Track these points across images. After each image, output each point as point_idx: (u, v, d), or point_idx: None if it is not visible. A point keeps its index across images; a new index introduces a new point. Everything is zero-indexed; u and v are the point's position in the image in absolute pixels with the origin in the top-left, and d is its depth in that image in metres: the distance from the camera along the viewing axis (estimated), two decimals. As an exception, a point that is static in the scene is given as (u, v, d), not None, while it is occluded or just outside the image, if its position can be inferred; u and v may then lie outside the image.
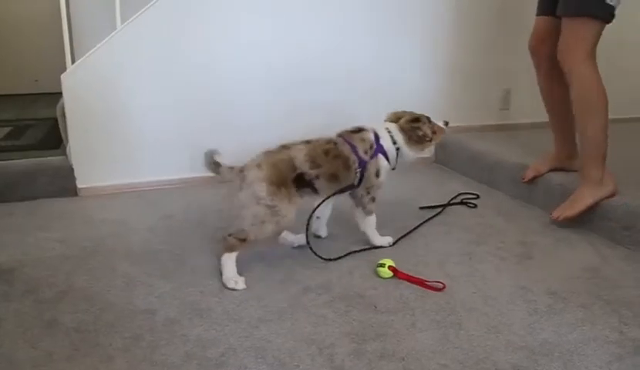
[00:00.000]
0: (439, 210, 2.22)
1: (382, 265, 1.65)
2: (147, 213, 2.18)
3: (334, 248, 1.83)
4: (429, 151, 1.92)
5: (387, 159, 1.82)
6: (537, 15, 2.09)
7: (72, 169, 2.38)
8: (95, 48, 2.31)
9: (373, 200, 1.83)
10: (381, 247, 1.86)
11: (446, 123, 1.93)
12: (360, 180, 1.78)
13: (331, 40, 2.63)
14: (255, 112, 2.59)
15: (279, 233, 1.77)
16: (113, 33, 2.33)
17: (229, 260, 1.63)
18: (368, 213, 1.84)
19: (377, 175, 1.80)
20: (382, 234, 1.89)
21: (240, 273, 1.62)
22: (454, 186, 2.28)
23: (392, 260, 1.67)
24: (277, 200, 1.63)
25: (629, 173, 2.28)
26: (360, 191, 1.81)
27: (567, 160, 2.22)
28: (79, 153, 2.38)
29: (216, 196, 2.38)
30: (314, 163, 1.70)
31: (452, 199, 2.29)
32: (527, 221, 2.11)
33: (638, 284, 1.64)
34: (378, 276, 1.66)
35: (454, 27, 2.78)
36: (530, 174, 2.24)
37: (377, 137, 1.81)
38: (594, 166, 1.95)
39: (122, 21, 2.36)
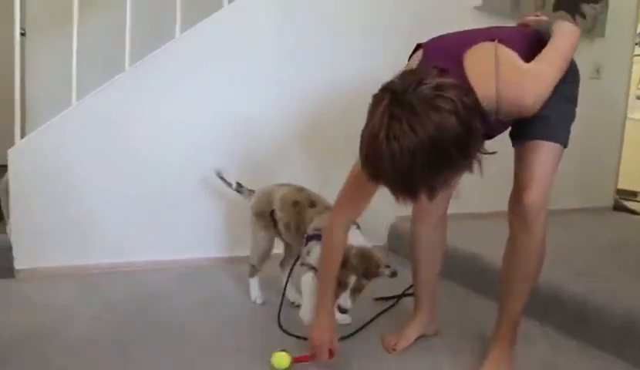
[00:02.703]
0: (393, 301, 2.19)
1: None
2: (90, 298, 2.05)
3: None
4: None
5: None
6: None
7: (10, 249, 2.23)
8: (46, 124, 2.25)
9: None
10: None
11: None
12: None
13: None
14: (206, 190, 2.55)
15: (262, 258, 2.07)
16: (66, 110, 2.27)
17: (253, 283, 2.10)
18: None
19: (308, 253, 1.86)
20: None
21: (185, 366, 1.52)
22: (408, 275, 2.27)
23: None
24: (256, 226, 2.06)
25: (577, 262, 2.36)
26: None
27: (429, 324, 1.89)
28: (20, 232, 2.24)
29: (164, 280, 2.28)
30: (282, 206, 1.97)
31: (406, 289, 2.26)
32: (480, 312, 2.10)
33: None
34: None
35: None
36: (402, 344, 1.81)
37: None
38: (519, 325, 1.71)
39: (78, 97, 2.32)
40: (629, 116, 3.99)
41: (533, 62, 1.38)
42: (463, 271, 2.46)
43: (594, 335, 1.89)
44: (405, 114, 1.14)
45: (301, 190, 2.03)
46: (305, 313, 1.86)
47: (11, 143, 2.23)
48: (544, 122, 1.54)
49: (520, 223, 1.58)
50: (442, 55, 1.43)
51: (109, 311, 1.94)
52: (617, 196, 3.93)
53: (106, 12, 2.91)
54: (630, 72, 3.87)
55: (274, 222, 2.01)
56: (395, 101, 1.16)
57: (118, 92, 2.34)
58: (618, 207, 3.87)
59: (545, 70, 1.37)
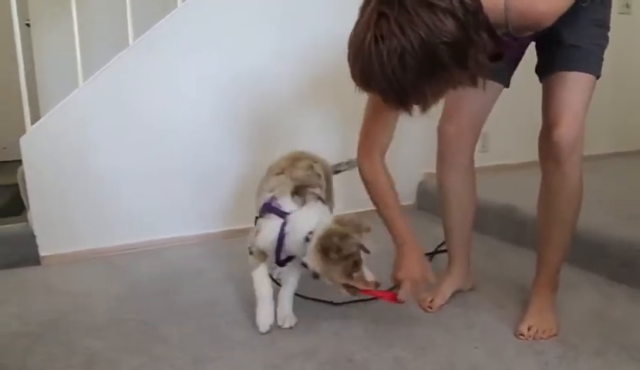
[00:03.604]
0: (427, 258, 2.10)
1: None
2: (115, 280, 2.01)
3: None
4: None
5: None
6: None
7: (33, 237, 2.21)
8: (53, 109, 2.20)
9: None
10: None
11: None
12: None
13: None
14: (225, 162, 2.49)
15: None
16: (73, 92, 2.21)
17: None
18: None
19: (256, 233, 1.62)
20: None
21: (217, 339, 1.46)
22: (440, 232, 2.18)
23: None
24: None
25: (619, 207, 2.23)
26: None
27: (464, 279, 1.78)
28: (42, 220, 2.21)
29: (189, 256, 2.24)
30: None
31: (439, 246, 2.17)
32: (519, 264, 2.00)
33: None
34: None
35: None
36: (438, 302, 1.70)
37: None
38: (559, 272, 1.61)
39: (85, 78, 2.26)
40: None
41: None
42: (500, 224, 2.36)
43: (643, 280, 1.78)
44: (394, 13, 1.04)
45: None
46: (263, 317, 1.55)
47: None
48: (572, 51, 1.42)
49: (552, 163, 1.46)
50: None
51: (134, 291, 1.89)
52: (656, 137, 3.74)
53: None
54: (664, 4, 3.62)
55: None
56: (386, 1, 1.06)
57: (124, 68, 2.27)
58: (658, 148, 3.68)
59: None
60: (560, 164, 1.43)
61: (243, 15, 2.44)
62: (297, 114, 2.58)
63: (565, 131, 1.40)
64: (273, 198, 1.54)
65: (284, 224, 1.48)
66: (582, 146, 1.45)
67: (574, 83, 1.42)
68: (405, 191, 2.88)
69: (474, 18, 1.07)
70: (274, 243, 1.50)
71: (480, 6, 1.10)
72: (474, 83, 1.16)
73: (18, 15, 2.17)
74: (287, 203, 1.51)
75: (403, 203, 2.84)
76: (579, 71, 1.42)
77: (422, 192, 2.86)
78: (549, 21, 1.22)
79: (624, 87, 3.44)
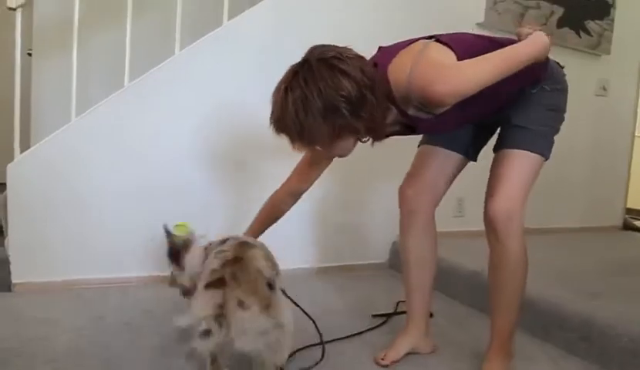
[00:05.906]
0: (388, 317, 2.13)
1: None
2: (81, 312, 2.02)
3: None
4: None
5: None
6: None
7: (8, 263, 2.23)
8: (44, 140, 2.26)
9: None
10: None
11: None
12: None
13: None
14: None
15: None
16: (64, 127, 2.29)
17: None
18: None
19: None
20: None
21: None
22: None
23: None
24: None
25: (581, 282, 2.29)
26: None
27: (421, 339, 1.81)
28: (18, 247, 2.24)
29: (158, 297, 2.25)
30: None
31: (396, 306, 2.20)
32: (482, 331, 2.04)
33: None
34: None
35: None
36: (391, 356, 1.72)
37: None
38: (512, 339, 1.65)
39: (77, 113, 2.33)
40: (637, 134, 3.93)
41: (465, 61, 1.35)
42: (466, 290, 2.41)
43: (599, 355, 1.82)
44: (303, 71, 1.32)
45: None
46: None
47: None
48: (517, 131, 1.54)
49: (490, 235, 1.54)
50: (386, 50, 1.50)
51: (98, 325, 1.91)
52: (626, 216, 3.85)
53: (108, 33, 2.98)
54: (638, 88, 3.80)
55: None
56: (300, 64, 1.35)
57: (116, 108, 2.35)
58: (628, 226, 3.79)
59: (471, 67, 1.33)
60: (497, 236, 1.51)
61: (241, 67, 2.55)
62: (282, 159, 2.64)
63: (499, 203, 1.49)
64: None
65: None
66: (521, 220, 1.51)
67: (515, 160, 1.52)
68: (379, 249, 2.94)
69: (370, 81, 1.33)
70: None
71: (376, 75, 1.36)
72: (375, 136, 1.42)
73: (21, 43, 2.25)
74: None
75: (376, 260, 2.92)
76: (521, 149, 1.52)
77: (394, 251, 2.92)
78: (448, 102, 1.32)
79: (599, 165, 3.57)
